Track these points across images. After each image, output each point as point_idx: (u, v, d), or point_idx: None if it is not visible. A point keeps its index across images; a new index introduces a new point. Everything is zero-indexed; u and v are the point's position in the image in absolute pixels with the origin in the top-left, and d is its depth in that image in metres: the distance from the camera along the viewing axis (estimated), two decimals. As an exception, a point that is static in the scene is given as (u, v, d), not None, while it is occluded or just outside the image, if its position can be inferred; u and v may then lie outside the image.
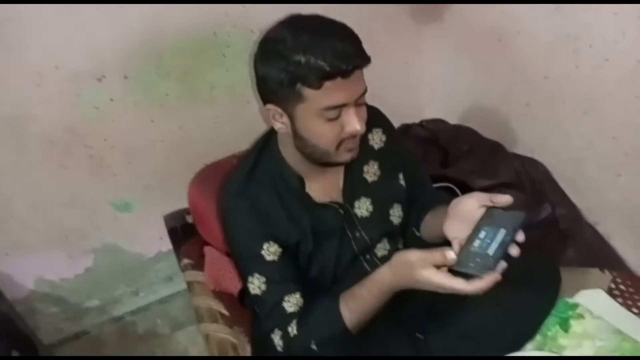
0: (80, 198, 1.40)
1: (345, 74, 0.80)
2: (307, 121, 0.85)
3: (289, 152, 0.96)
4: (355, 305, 0.90)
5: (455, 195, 1.42)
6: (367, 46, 0.85)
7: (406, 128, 1.67)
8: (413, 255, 0.81)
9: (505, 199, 0.86)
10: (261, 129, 1.49)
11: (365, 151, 1.01)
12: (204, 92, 1.40)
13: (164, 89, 1.34)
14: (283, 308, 0.93)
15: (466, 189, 1.42)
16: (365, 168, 1.04)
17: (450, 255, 0.78)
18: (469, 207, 0.86)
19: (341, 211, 1.02)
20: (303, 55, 0.79)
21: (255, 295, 0.95)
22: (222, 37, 1.35)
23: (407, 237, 1.13)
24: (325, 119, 0.84)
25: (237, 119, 1.48)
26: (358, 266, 1.05)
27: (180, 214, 1.45)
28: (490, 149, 1.48)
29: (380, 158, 1.05)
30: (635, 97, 1.11)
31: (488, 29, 1.44)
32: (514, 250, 0.79)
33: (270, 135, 1.01)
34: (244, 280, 0.98)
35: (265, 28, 1.37)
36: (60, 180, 1.34)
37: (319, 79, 0.79)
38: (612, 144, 1.21)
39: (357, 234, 1.04)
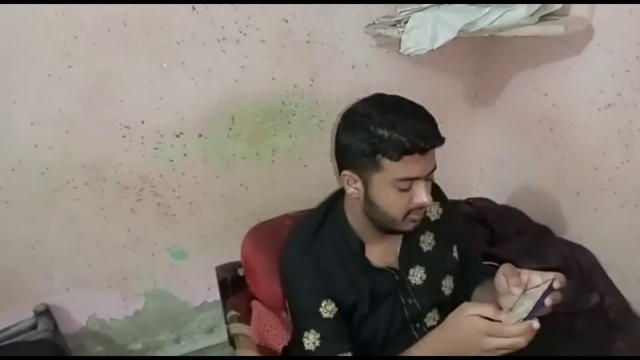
0: (142, 242, 1.49)
1: (422, 151, 0.89)
2: (381, 189, 0.93)
3: (353, 217, 1.03)
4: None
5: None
6: None
7: (453, 204, 1.71)
8: (466, 303, 0.86)
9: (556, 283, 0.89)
10: (316, 192, 1.59)
11: (422, 222, 1.07)
12: (267, 154, 1.51)
13: (232, 148, 1.46)
14: None
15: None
16: (422, 238, 1.09)
17: (503, 316, 0.81)
18: (500, 283, 0.90)
19: (396, 277, 1.06)
20: (387, 131, 0.89)
21: (309, 351, 0.98)
22: (289, 106, 1.47)
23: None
24: (398, 189, 0.92)
25: (293, 181, 1.58)
26: (408, 334, 1.08)
27: (232, 266, 1.51)
28: (539, 233, 1.50)
29: (436, 230, 1.11)
30: (688, 194, 1.13)
31: (540, 119, 1.51)
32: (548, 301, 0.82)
33: (337, 199, 1.08)
34: (298, 335, 1.01)
35: (328, 101, 1.51)
36: (128, 224, 1.45)
37: (399, 153, 0.88)
38: (664, 239, 1.22)
39: (410, 301, 1.07)
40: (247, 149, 1.48)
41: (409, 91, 1.47)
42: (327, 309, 0.98)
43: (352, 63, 1.48)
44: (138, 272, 1.53)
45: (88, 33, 1.21)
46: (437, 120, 0.92)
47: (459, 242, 1.13)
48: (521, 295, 0.87)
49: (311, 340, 0.98)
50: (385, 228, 0.99)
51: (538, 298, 0.81)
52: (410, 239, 1.07)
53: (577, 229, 1.46)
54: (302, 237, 1.05)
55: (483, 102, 1.71)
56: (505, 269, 0.90)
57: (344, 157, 0.96)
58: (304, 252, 1.02)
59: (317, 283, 0.99)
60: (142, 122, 1.33)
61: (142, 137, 1.35)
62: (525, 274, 0.88)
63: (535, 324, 0.79)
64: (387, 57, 1.52)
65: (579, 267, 1.39)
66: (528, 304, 0.82)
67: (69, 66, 1.23)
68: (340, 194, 1.05)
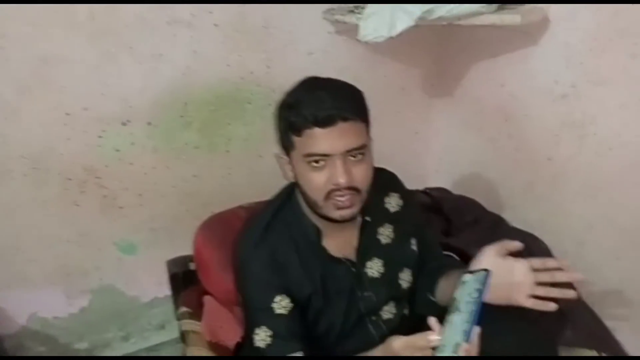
0: (87, 237, 1.41)
1: (321, 123, 0.85)
2: (298, 168, 0.92)
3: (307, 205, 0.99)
4: None
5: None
6: (379, 113, 0.91)
7: (413, 195, 1.71)
8: (396, 343, 0.82)
9: (515, 244, 0.92)
10: (272, 183, 1.54)
11: (380, 213, 1.04)
12: (221, 143, 1.45)
13: (183, 137, 1.39)
14: None
15: (467, 259, 1.44)
16: (380, 230, 1.07)
17: (434, 338, 0.79)
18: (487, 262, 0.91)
19: (353, 269, 1.04)
20: (295, 105, 0.87)
21: (258, 348, 0.95)
22: (244, 94, 1.42)
23: (419, 302, 1.13)
24: (310, 166, 0.89)
25: (249, 171, 1.53)
26: (363, 327, 1.06)
27: (184, 260, 1.45)
28: (493, 223, 1.51)
29: (395, 222, 1.08)
30: (636, 184, 1.16)
31: (496, 109, 1.51)
32: None
33: (292, 189, 1.04)
34: (250, 330, 0.98)
35: (285, 88, 1.46)
36: (72, 218, 1.36)
37: (299, 127, 0.87)
38: (612, 228, 1.25)
39: (366, 294, 1.05)
40: (199, 138, 1.42)
41: (366, 79, 1.44)
42: (281, 304, 0.95)
43: (309, 50, 1.44)
44: (83, 268, 1.44)
45: (26, 13, 1.12)
46: (395, 109, 0.90)
47: (419, 235, 1.12)
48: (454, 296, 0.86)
49: (261, 337, 0.94)
50: (316, 213, 0.95)
51: (473, 301, 0.81)
52: (367, 230, 1.05)
53: (531, 219, 1.48)
54: (256, 228, 1.01)
55: (441, 92, 1.71)
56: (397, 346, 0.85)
57: (278, 139, 0.95)
58: (258, 244, 0.98)
59: (272, 277, 0.96)
60: (85, 109, 1.25)
61: (85, 125, 1.27)
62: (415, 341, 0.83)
63: (476, 330, 0.78)
64: (345, 44, 1.48)
65: (531, 256, 1.40)
66: (459, 309, 0.81)
67: (3, 48, 1.13)
68: (295, 183, 1.01)
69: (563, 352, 1.11)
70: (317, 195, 0.91)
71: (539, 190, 1.45)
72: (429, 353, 0.79)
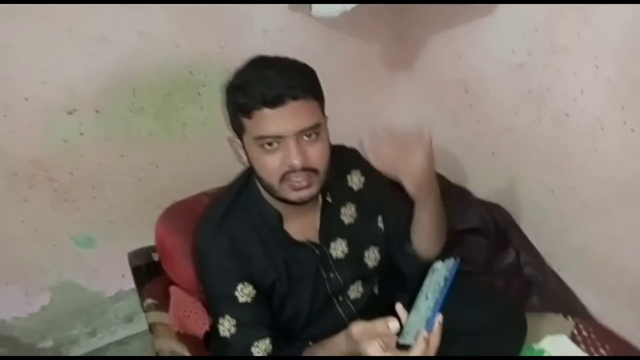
0: (41, 233, 1.34)
1: (270, 103, 0.82)
2: (251, 151, 0.89)
3: None
4: None
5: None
6: (340, 91, 0.88)
7: (377, 172, 1.70)
8: (355, 330, 0.79)
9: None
10: (234, 167, 1.50)
11: (343, 193, 1.02)
12: (177, 129, 1.40)
13: (136, 124, 1.33)
14: (251, 353, 0.91)
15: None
16: (343, 210, 1.05)
17: (394, 324, 0.76)
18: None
19: (317, 251, 1.02)
20: (243, 86, 0.84)
21: (224, 338, 0.93)
22: (198, 76, 1.36)
23: (400, 261, 1.12)
24: (263, 149, 0.86)
25: (209, 157, 1.48)
26: (331, 308, 1.05)
27: (146, 251, 1.41)
28: (458, 195, 1.52)
29: (359, 200, 1.06)
30: (593, 151, 1.17)
31: (456, 81, 1.50)
32: None
33: (250, 174, 1.01)
34: (214, 321, 0.96)
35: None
36: (22, 214, 1.30)
37: (248, 107, 0.83)
38: (573, 194, 1.27)
39: (332, 275, 1.04)
40: (154, 125, 1.36)
41: (325, 57, 1.42)
42: (244, 292, 0.93)
43: (263, 27, 1.39)
44: (39, 265, 1.38)
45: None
46: (356, 85, 0.87)
47: (386, 212, 1.10)
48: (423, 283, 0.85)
49: (226, 327, 0.92)
50: (274, 196, 0.93)
51: (439, 289, 0.80)
52: (329, 211, 1.03)
53: (494, 189, 1.49)
54: (214, 215, 0.98)
55: (402, 67, 1.68)
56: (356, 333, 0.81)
57: (229, 122, 0.92)
58: (217, 232, 0.95)
59: (233, 264, 0.93)
60: (26, 100, 1.18)
61: (28, 117, 1.19)
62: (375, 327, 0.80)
63: (439, 319, 0.77)
64: (301, 21, 1.43)
65: (495, 225, 1.42)
66: (425, 297, 0.80)
67: None
68: (251, 167, 0.98)
69: (531, 318, 1.12)
70: (272, 179, 0.88)
71: (501, 160, 1.45)
72: (389, 340, 0.78)
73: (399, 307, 0.82)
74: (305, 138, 0.86)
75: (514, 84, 1.32)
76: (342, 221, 1.06)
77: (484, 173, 1.52)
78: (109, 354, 1.59)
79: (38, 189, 1.28)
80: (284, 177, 0.87)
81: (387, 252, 1.11)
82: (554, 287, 1.30)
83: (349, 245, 1.06)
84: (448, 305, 1.13)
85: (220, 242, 0.95)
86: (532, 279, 1.32)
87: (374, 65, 1.67)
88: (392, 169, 0.95)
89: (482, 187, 1.54)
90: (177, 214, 1.33)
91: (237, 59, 1.37)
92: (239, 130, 0.89)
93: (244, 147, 0.91)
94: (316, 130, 0.87)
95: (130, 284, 1.49)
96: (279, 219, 0.98)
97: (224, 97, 0.90)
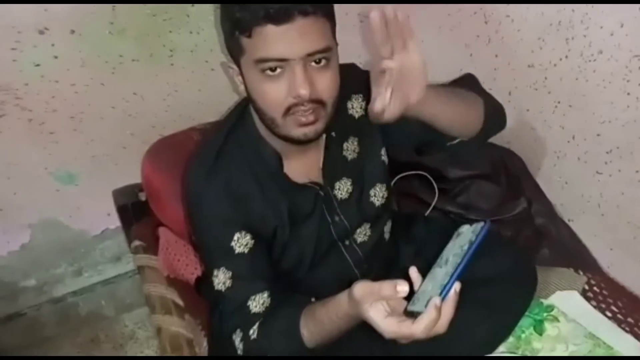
0: (15, 166, 1.23)
1: (275, 18, 0.68)
2: (249, 77, 0.76)
3: (264, 126, 0.83)
4: (315, 327, 0.79)
5: (430, 183, 1.38)
6: (343, 15, 0.74)
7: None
8: (358, 289, 0.69)
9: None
10: (227, 100, 1.38)
11: (344, 124, 0.89)
12: (164, 55, 1.25)
13: (117, 48, 1.19)
14: (248, 307, 0.83)
15: (441, 178, 1.36)
16: (345, 145, 0.94)
17: (402, 287, 0.66)
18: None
19: (321, 193, 0.92)
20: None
21: (219, 291, 0.85)
22: (186, -6, 1.20)
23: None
24: (264, 75, 0.73)
25: (199, 87, 1.34)
26: (336, 253, 0.97)
27: (132, 189, 1.32)
28: (468, 138, 1.42)
29: (360, 130, 0.94)
30: (626, 93, 1.06)
31: (474, 10, 1.36)
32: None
33: (246, 107, 0.89)
34: (208, 273, 0.87)
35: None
36: (-7, 146, 1.18)
37: (248, 24, 0.69)
38: (596, 140, 1.17)
39: (336, 218, 0.94)
40: (137, 50, 1.21)
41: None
42: (241, 242, 0.83)
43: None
44: (16, 202, 1.28)
45: None
46: (360, 10, 0.73)
47: (396, 128, 0.89)
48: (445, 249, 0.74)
49: (221, 280, 0.84)
50: (274, 133, 0.80)
51: (454, 268, 0.67)
52: (332, 148, 0.91)
53: (507, 132, 1.36)
54: (206, 156, 0.87)
55: (413, -8, 1.52)
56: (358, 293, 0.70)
57: (225, 44, 0.78)
58: (209, 175, 0.84)
59: (228, 212, 0.83)
60: (-11, 15, 1.02)
61: (-8, 35, 1.05)
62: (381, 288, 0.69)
63: (456, 287, 0.65)
64: None
65: (506, 172, 1.33)
66: (444, 264, 0.69)
67: None
68: (249, 97, 0.85)
69: (541, 271, 1.05)
70: (275, 112, 0.76)
71: (518, 101, 1.34)
72: (396, 305, 0.69)
73: (413, 271, 0.72)
74: (314, 64, 0.73)
75: (542, 15, 1.18)
76: (345, 157, 0.95)
77: (498, 114, 1.41)
78: (96, 292, 1.54)
79: (9, 118, 1.16)
80: (288, 111, 0.75)
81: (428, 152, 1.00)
82: (565, 240, 1.23)
83: (353, 184, 0.95)
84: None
85: (213, 187, 0.84)
86: (543, 230, 1.25)
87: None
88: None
89: (494, 129, 1.43)
90: (164, 151, 1.23)
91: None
92: (236, 52, 0.75)
93: (241, 74, 0.78)
94: (327, 55, 0.74)
95: (116, 222, 1.41)
96: (279, 160, 0.87)
97: (220, 13, 0.75)
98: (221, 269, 0.84)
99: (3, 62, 1.08)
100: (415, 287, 0.70)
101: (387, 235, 1.05)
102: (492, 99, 0.97)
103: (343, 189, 0.95)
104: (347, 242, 0.98)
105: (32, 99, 1.16)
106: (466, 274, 0.68)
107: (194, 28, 1.25)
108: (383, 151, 0.98)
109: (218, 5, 1.23)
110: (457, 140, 0.94)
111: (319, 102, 0.75)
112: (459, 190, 1.35)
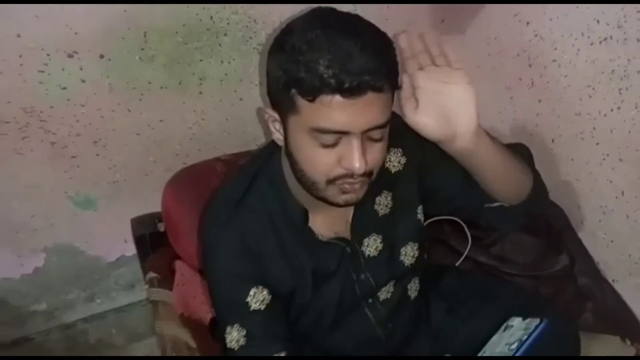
0: (35, 189, 1.20)
1: (347, 92, 0.62)
2: (298, 138, 0.69)
3: (293, 176, 0.77)
4: None
5: (462, 230, 1.30)
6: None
7: (418, 147, 1.52)
8: None
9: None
10: (253, 131, 1.34)
11: (379, 178, 0.84)
12: (193, 83, 1.22)
13: (146, 75, 1.16)
14: None
15: (474, 225, 1.28)
16: (378, 199, 0.87)
17: None
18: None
19: (348, 249, 0.85)
20: (304, 55, 0.62)
21: (232, 350, 0.78)
22: (219, 23, 1.17)
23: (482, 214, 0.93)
24: (319, 142, 0.67)
25: (226, 117, 1.31)
26: (359, 312, 0.90)
27: (151, 219, 1.27)
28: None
29: (396, 185, 0.88)
30: (685, 151, 0.98)
31: (517, 52, 1.29)
32: None
33: (274, 152, 0.82)
34: (221, 329, 0.80)
35: (269, 18, 1.22)
36: (14, 168, 1.15)
37: (314, 88, 0.62)
38: (648, 198, 1.08)
39: (362, 276, 0.87)
40: (166, 77, 1.18)
41: (365, 9, 1.21)
42: (257, 298, 0.77)
43: (298, -32, 1.18)
44: (33, 225, 1.25)
45: None
46: (397, 48, 0.68)
47: (434, 173, 0.89)
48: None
49: (235, 338, 0.77)
50: (310, 193, 0.74)
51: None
52: (364, 201, 0.85)
53: (549, 182, 1.27)
54: (224, 204, 0.81)
55: (452, 29, 1.46)
56: None
57: (267, 90, 0.70)
58: (225, 226, 0.78)
59: (244, 266, 0.77)
60: (18, 36, 1.00)
61: (20, 57, 1.02)
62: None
63: None
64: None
65: (547, 225, 1.25)
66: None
67: None
68: (278, 146, 0.79)
69: (584, 339, 0.96)
70: (320, 178, 0.70)
71: (562, 151, 1.26)
72: None
73: None
74: (371, 137, 0.68)
75: (593, 62, 1.11)
76: (376, 212, 0.88)
77: (539, 163, 1.29)
78: (107, 320, 1.49)
79: (33, 140, 1.13)
80: (335, 179, 0.70)
81: (460, 214, 0.98)
82: (611, 303, 1.13)
83: (383, 241, 0.89)
84: (490, 310, 0.99)
85: (229, 238, 0.78)
86: (585, 292, 1.16)
87: (420, 23, 1.45)
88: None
89: (535, 177, 1.35)
90: (187, 181, 1.19)
91: (265, 7, 1.19)
92: (285, 107, 0.68)
93: (285, 127, 0.71)
94: (384, 128, 0.69)
95: (132, 249, 1.36)
96: (304, 214, 0.81)
97: (270, 58, 0.68)
98: (235, 326, 0.78)
99: (30, 84, 1.06)
100: None
101: (412, 293, 0.97)
102: (539, 175, 0.94)
103: (372, 245, 0.88)
104: (370, 301, 0.91)
105: (56, 122, 1.13)
106: None
107: (225, 57, 1.22)
108: (420, 209, 0.91)
109: (253, 34, 1.22)
110: (496, 204, 0.88)
111: (368, 174, 0.71)
112: (493, 239, 1.27)
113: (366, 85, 0.62)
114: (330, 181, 0.70)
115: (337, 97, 0.62)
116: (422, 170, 0.89)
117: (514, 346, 0.60)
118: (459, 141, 0.76)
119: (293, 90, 0.65)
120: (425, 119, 0.74)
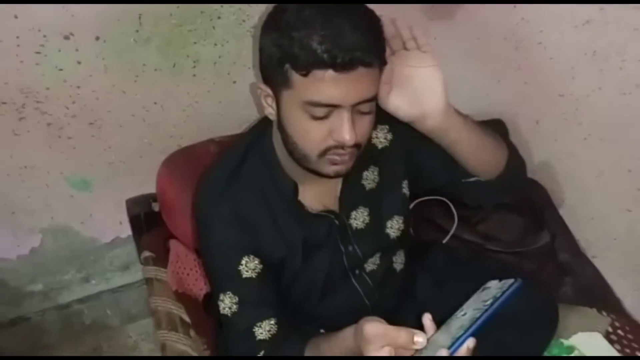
0: (31, 170, 1.22)
1: (339, 66, 0.66)
2: (290, 112, 0.73)
3: (283, 150, 0.81)
4: None
5: (449, 209, 1.34)
6: None
7: (405, 126, 1.55)
8: (370, 330, 0.65)
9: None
10: (247, 113, 1.36)
11: (366, 153, 0.87)
12: (187, 66, 1.24)
13: (141, 57, 1.17)
14: (253, 334, 0.80)
15: (461, 205, 1.32)
16: (365, 174, 0.91)
17: (420, 339, 0.63)
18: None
19: (336, 222, 0.89)
20: (299, 31, 0.66)
21: (224, 316, 0.82)
22: (213, 6, 1.18)
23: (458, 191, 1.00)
24: (310, 115, 0.71)
25: (220, 99, 1.33)
26: (346, 282, 0.94)
27: (146, 199, 1.30)
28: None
29: (382, 161, 0.92)
30: (662, 130, 1.02)
31: (505, 35, 1.32)
32: None
33: (265, 128, 0.86)
34: (214, 296, 0.84)
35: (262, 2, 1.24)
36: (11, 148, 1.17)
37: (307, 64, 0.66)
38: (627, 176, 1.13)
39: (350, 248, 0.91)
40: (160, 59, 1.19)
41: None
42: (249, 266, 0.81)
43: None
44: (29, 206, 1.27)
45: None
46: (385, 33, 0.71)
47: (417, 153, 0.93)
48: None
49: (227, 305, 0.81)
50: (301, 165, 0.78)
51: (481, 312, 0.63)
52: (351, 176, 0.88)
53: (533, 162, 1.35)
54: (217, 179, 0.84)
55: (441, 14, 1.48)
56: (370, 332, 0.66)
57: (260, 66, 0.74)
58: (219, 198, 0.82)
59: (237, 236, 0.81)
60: (15, 17, 1.01)
61: (17, 37, 1.04)
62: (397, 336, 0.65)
63: (470, 344, 0.62)
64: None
65: (530, 204, 1.29)
66: (464, 319, 0.64)
67: None
68: (268, 122, 0.82)
69: (562, 310, 1.01)
70: (312, 150, 0.74)
71: (545, 131, 1.30)
72: (403, 352, 0.64)
73: (427, 319, 0.68)
74: (360, 110, 0.72)
75: (576, 43, 1.15)
76: (363, 186, 0.92)
77: (523, 143, 1.36)
78: (102, 301, 1.52)
79: (29, 121, 1.15)
80: (325, 151, 0.74)
81: (442, 191, 1.02)
82: (589, 278, 1.19)
83: (370, 214, 0.92)
84: (474, 283, 1.03)
85: (222, 210, 0.82)
86: (566, 267, 1.21)
87: (409, 10, 1.47)
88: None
89: (519, 158, 1.39)
90: (181, 162, 1.22)
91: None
92: (278, 82, 0.71)
93: (277, 101, 0.74)
94: (372, 102, 0.73)
95: (127, 231, 1.39)
96: (294, 188, 0.84)
97: (263, 35, 0.71)
98: (227, 293, 0.81)
99: (27, 65, 1.07)
100: (428, 336, 0.66)
101: (398, 266, 1.01)
102: (516, 150, 0.97)
103: (359, 218, 0.92)
104: (357, 272, 0.95)
105: (52, 104, 1.15)
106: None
107: (219, 40, 1.24)
108: (405, 184, 0.95)
109: (247, 17, 1.24)
110: (473, 179, 0.92)
111: (357, 146, 0.74)
112: (479, 218, 1.31)
113: (357, 61, 0.66)
114: (322, 153, 0.74)
115: (330, 72, 0.66)
116: (408, 146, 0.93)
117: (487, 303, 0.64)
118: (430, 121, 0.80)
119: (287, 66, 0.68)
120: (397, 102, 0.79)
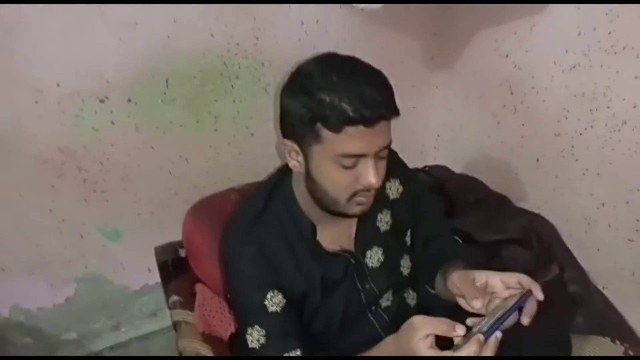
0: (68, 223, 1.32)
1: (368, 122, 0.76)
2: (321, 164, 0.82)
3: (302, 196, 0.91)
4: None
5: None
6: None
7: (414, 178, 1.63)
8: (417, 320, 0.75)
9: (538, 295, 0.82)
10: (264, 163, 1.46)
11: (380, 199, 0.96)
12: (209, 121, 1.36)
13: (167, 115, 1.30)
14: None
15: (471, 241, 1.38)
16: (379, 217, 0.99)
17: (460, 329, 0.72)
18: (497, 288, 0.83)
19: (352, 261, 0.96)
20: (328, 95, 0.76)
21: (253, 349, 0.88)
22: (232, 67, 1.32)
23: (422, 294, 1.07)
24: (340, 165, 0.80)
25: (239, 151, 1.44)
26: (364, 318, 1.00)
27: (173, 246, 1.37)
28: (498, 203, 1.44)
29: (394, 208, 1.01)
30: (653, 162, 1.09)
31: (500, 82, 1.42)
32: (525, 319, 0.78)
33: (284, 176, 0.95)
34: (242, 331, 0.90)
35: (275, 62, 1.37)
36: (49, 203, 1.27)
37: (340, 122, 0.76)
38: (625, 208, 1.18)
39: (367, 286, 0.98)
40: (185, 116, 1.32)
41: (362, 50, 1.35)
42: (274, 301, 0.87)
43: (300, 19, 1.33)
44: (66, 256, 1.36)
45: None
46: (392, 83, 0.81)
47: (418, 213, 1.05)
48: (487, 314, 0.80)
49: (255, 338, 0.87)
50: (328, 209, 0.87)
51: (501, 313, 0.76)
52: (366, 218, 0.97)
53: (537, 198, 1.41)
54: (242, 221, 0.93)
55: (441, 64, 1.61)
56: (456, 279, 0.84)
57: (285, 124, 0.84)
58: (244, 240, 0.90)
59: (262, 273, 0.88)
60: (58, 85, 1.15)
61: (59, 103, 1.17)
62: (480, 279, 0.82)
63: (498, 334, 0.73)
64: (339, 13, 1.37)
65: (538, 238, 1.34)
66: (489, 320, 0.76)
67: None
68: (288, 168, 0.92)
69: (575, 340, 1.04)
70: (342, 195, 0.84)
71: (546, 168, 1.37)
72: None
73: (469, 321, 0.78)
74: (380, 156, 0.83)
75: (566, 86, 1.24)
76: (378, 228, 1.00)
77: (527, 181, 1.44)
78: (131, 348, 1.57)
79: (67, 178, 1.26)
80: (354, 194, 0.84)
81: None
82: (600, 308, 1.21)
83: (384, 253, 1.00)
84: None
85: (248, 250, 0.90)
86: (576, 298, 1.24)
87: (412, 61, 1.60)
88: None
89: (524, 196, 1.45)
90: (205, 211, 1.30)
91: (271, 51, 1.35)
92: (307, 139, 0.80)
93: (305, 156, 0.83)
94: (388, 148, 0.84)
95: (155, 278, 1.46)
96: (313, 229, 0.93)
97: (288, 99, 0.82)
98: (255, 326, 0.88)
99: (66, 127, 1.20)
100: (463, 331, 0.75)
101: (411, 301, 1.07)
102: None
103: (374, 257, 0.99)
104: (373, 308, 1.02)
105: (88, 161, 1.26)
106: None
107: (237, 97, 1.36)
108: (409, 232, 1.05)
109: (261, 76, 1.36)
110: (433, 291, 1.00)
111: (378, 188, 0.84)
112: (490, 254, 1.36)
113: (381, 116, 0.77)
114: (350, 197, 0.84)
115: (360, 127, 0.76)
116: (415, 197, 1.04)
117: (508, 306, 0.76)
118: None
119: (318, 124, 0.78)
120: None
